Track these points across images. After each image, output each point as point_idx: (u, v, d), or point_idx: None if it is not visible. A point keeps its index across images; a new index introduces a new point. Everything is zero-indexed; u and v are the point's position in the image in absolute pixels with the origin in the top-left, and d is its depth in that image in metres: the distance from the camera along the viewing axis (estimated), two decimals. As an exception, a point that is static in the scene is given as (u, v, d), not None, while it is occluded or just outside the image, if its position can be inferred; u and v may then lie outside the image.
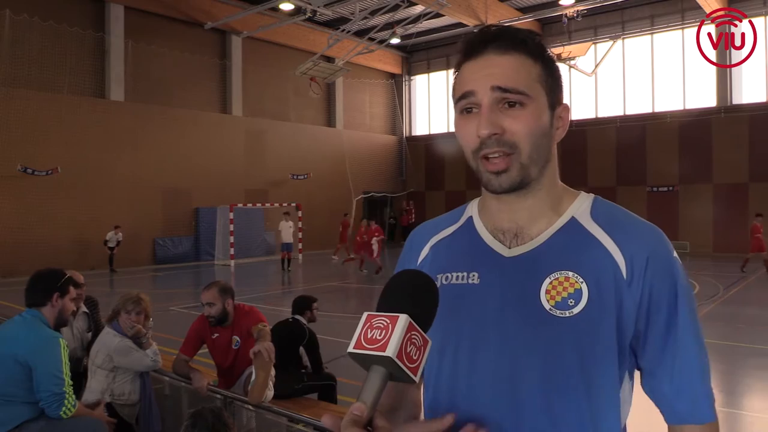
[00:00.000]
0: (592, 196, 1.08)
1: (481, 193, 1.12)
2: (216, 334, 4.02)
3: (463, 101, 1.00)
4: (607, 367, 0.95)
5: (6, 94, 15.41)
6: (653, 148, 21.37)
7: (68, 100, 16.68)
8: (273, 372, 3.60)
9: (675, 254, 1.01)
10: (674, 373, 0.97)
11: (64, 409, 2.93)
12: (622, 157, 21.94)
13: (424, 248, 1.15)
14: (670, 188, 21.15)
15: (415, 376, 0.75)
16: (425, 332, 0.78)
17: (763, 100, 19.79)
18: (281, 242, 17.20)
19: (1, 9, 15.45)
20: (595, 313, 0.95)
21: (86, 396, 3.62)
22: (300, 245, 20.22)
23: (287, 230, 16.88)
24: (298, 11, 19.79)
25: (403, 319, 0.75)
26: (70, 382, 3.01)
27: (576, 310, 0.95)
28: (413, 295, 0.80)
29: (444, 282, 1.06)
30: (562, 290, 0.97)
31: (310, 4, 18.09)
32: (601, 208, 1.05)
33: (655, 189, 21.41)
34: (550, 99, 1.01)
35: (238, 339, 3.97)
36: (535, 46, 1.00)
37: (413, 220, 25.73)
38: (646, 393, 1.02)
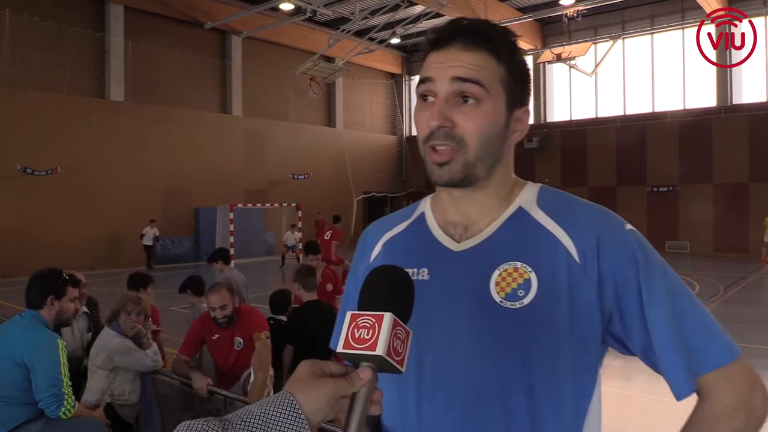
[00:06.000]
0: (538, 185, 1.07)
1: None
2: (217, 335, 4.00)
3: (422, 86, 1.00)
4: (560, 358, 0.93)
5: (6, 94, 15.41)
6: (653, 148, 21.35)
7: (68, 100, 16.67)
8: (272, 372, 3.60)
9: (628, 226, 0.98)
10: (671, 334, 0.91)
11: (63, 410, 2.92)
12: (622, 157, 21.93)
13: (376, 245, 1.14)
14: (670, 188, 21.14)
15: (402, 367, 0.78)
16: (405, 324, 0.81)
17: (763, 100, 19.77)
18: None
19: (1, 9, 15.46)
20: (546, 303, 0.93)
21: (86, 396, 3.62)
22: (299, 246, 20.22)
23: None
24: (298, 11, 19.77)
25: (388, 317, 0.78)
26: (69, 383, 3.00)
27: (526, 300, 0.94)
28: (393, 291, 0.82)
29: None
30: (512, 281, 0.96)
31: (310, 4, 18.07)
32: (547, 196, 1.04)
33: (655, 189, 21.40)
34: (509, 100, 0.99)
35: (240, 340, 3.96)
36: (503, 46, 0.98)
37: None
38: (660, 373, 0.94)
